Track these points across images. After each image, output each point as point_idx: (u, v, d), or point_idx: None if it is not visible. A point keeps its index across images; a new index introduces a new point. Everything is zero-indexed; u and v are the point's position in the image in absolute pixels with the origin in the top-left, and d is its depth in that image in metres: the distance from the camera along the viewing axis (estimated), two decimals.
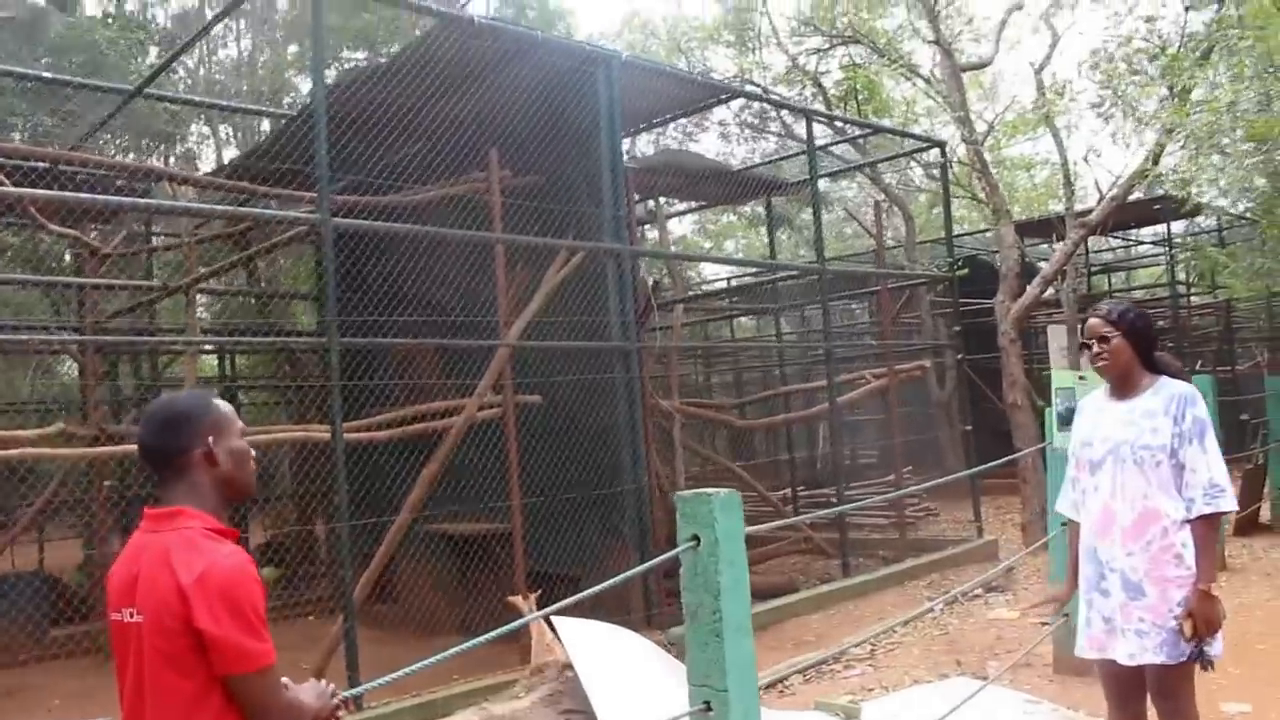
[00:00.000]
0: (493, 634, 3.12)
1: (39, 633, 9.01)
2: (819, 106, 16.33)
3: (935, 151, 14.36)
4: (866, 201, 23.48)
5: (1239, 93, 8.72)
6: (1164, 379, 3.67)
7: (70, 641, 8.16)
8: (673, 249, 19.80)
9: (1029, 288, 11.22)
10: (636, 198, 10.69)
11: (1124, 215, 13.76)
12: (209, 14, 18.38)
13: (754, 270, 19.16)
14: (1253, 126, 8.90)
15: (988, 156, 12.20)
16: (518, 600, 5.85)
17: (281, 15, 21.64)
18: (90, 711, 3.60)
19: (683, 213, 18.08)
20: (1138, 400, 3.66)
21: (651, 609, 7.75)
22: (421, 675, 3.00)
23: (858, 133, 15.07)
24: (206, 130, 20.84)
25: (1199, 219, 19.00)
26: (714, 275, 25.53)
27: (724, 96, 11.80)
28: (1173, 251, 18.84)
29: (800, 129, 19.03)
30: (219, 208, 8.12)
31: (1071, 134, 13.69)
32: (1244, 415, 12.28)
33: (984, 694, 5.35)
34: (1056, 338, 12.46)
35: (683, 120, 16.73)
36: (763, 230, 25.76)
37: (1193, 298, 20.69)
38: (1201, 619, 3.42)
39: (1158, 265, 23.06)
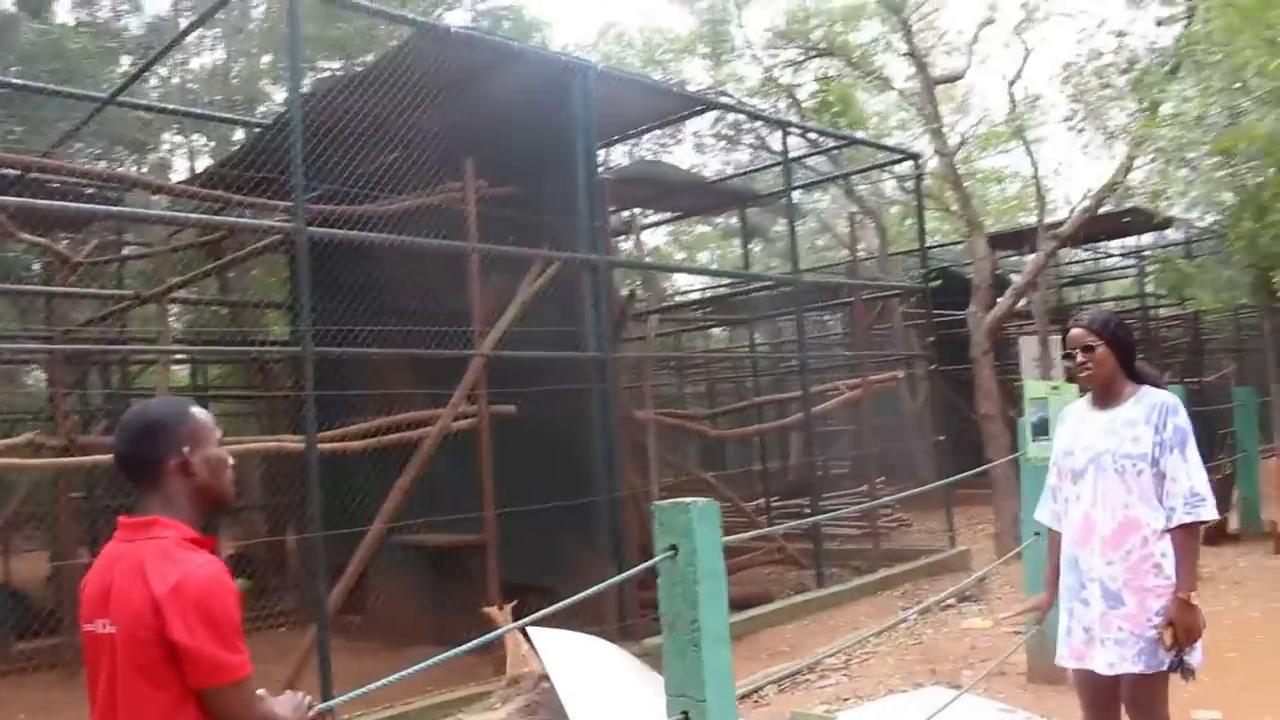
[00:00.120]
0: (470, 645, 3.10)
1: (3, 646, 8.88)
2: (793, 119, 16.40)
3: (909, 164, 14.47)
4: (840, 213, 23.58)
5: (1207, 107, 8.83)
6: (1145, 388, 3.70)
7: (37, 655, 8.06)
8: (647, 260, 19.81)
9: (1001, 299, 11.30)
10: (612, 208, 10.69)
11: (1094, 228, 13.88)
12: (182, 23, 18.26)
13: (728, 281, 19.19)
14: (1220, 141, 9.01)
15: (960, 169, 12.29)
16: (493, 611, 5.82)
17: (256, 25, 21.52)
18: None
19: (657, 224, 18.08)
20: (1119, 409, 3.68)
21: (626, 620, 7.74)
22: (395, 687, 2.97)
23: (832, 145, 15.13)
24: (179, 139, 20.70)
25: (1167, 232, 19.19)
26: (688, 286, 25.56)
27: (700, 108, 11.81)
28: (1142, 264, 19.03)
29: (774, 141, 19.11)
30: (193, 215, 8.05)
31: (1042, 147, 13.83)
32: (1222, 429, 12.42)
33: (959, 703, 5.37)
34: (1028, 349, 12.55)
35: (657, 131, 16.75)
36: (735, 242, 25.87)
37: (1162, 309, 20.90)
38: (1182, 628, 3.44)
39: (1127, 277, 23.28)
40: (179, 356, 12.59)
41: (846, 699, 6.32)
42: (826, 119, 16.01)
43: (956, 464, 10.95)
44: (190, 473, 2.31)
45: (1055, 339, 13.09)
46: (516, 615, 5.65)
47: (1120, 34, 11.44)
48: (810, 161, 17.15)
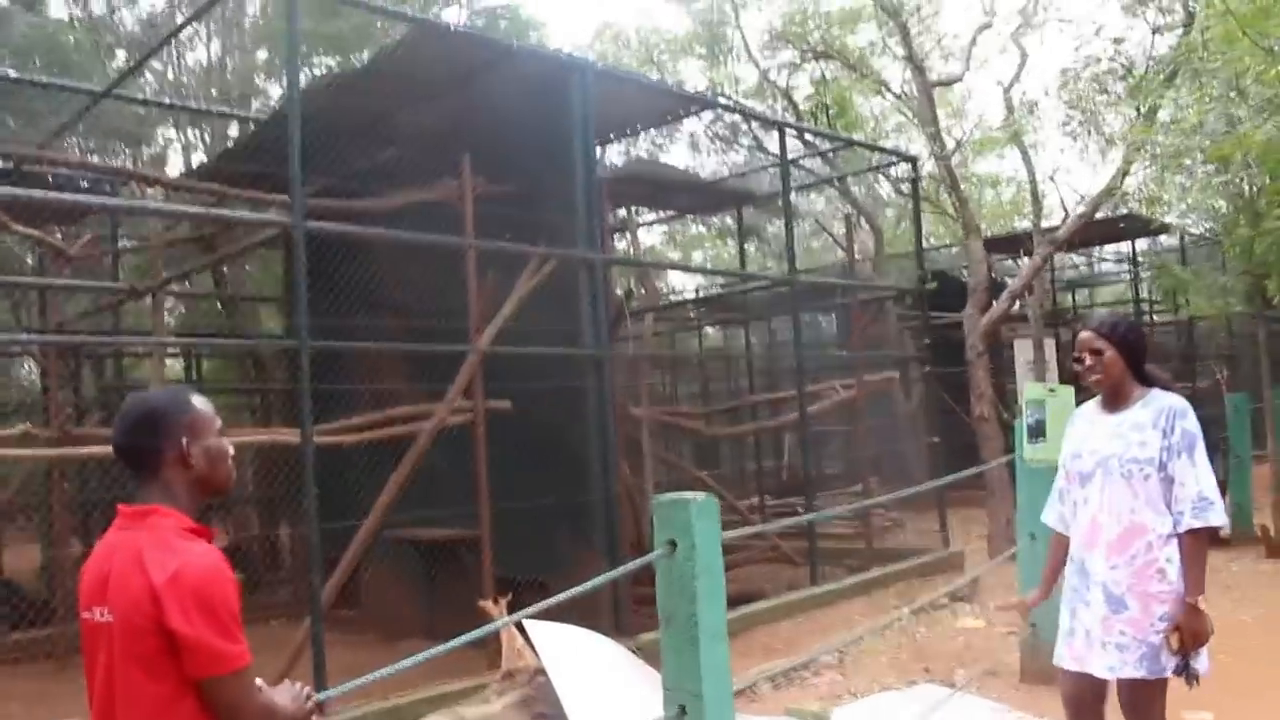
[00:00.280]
0: (466, 637, 3.11)
1: None
2: (790, 120, 16.42)
3: (905, 167, 14.49)
4: (835, 215, 23.62)
5: (1204, 114, 8.85)
6: (1155, 391, 3.68)
7: (31, 645, 8.04)
8: (644, 259, 19.82)
9: (997, 302, 11.32)
10: (609, 207, 10.69)
11: (1090, 233, 13.91)
12: (178, 18, 18.22)
13: (723, 281, 19.20)
14: (1218, 149, 9.03)
15: (957, 173, 12.31)
16: (488, 605, 5.82)
17: (251, 20, 21.48)
18: (51, 714, 3.55)
19: (652, 223, 18.10)
20: (1128, 413, 3.67)
21: (620, 615, 7.73)
22: (389, 680, 2.98)
23: (829, 146, 15.15)
24: (174, 134, 20.66)
25: (1161, 238, 19.25)
26: (682, 286, 25.57)
27: (697, 108, 11.81)
28: (1136, 269, 19.07)
29: (770, 142, 19.14)
30: (190, 209, 8.03)
31: (1039, 152, 13.86)
32: (1215, 435, 12.46)
33: (952, 701, 5.39)
34: (1023, 352, 12.59)
35: (653, 131, 16.76)
36: (730, 242, 25.87)
37: (1155, 315, 20.96)
38: (1189, 633, 3.43)
39: (1121, 283, 23.33)
40: (173, 350, 12.59)
41: (840, 696, 6.33)
42: (823, 121, 16.06)
43: (950, 465, 10.96)
44: (189, 463, 2.31)
45: (1050, 342, 13.16)
46: (511, 610, 5.65)
47: (1117, 40, 11.46)
48: (806, 163, 17.19)
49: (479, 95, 8.08)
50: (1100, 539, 3.65)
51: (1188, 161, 10.33)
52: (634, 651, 6.34)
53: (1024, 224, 16.39)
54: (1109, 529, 3.62)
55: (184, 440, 2.30)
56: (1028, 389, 6.14)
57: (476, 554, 7.67)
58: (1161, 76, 10.31)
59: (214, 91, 19.72)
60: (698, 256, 28.75)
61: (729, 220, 21.86)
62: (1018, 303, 11.93)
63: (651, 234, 25.14)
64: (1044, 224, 12.09)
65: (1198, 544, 3.51)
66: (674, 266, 25.91)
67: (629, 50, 22.39)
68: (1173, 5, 11.29)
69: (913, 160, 12.91)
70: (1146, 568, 3.53)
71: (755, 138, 19.83)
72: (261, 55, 21.16)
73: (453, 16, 20.18)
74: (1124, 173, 10.49)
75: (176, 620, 2.07)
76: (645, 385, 10.99)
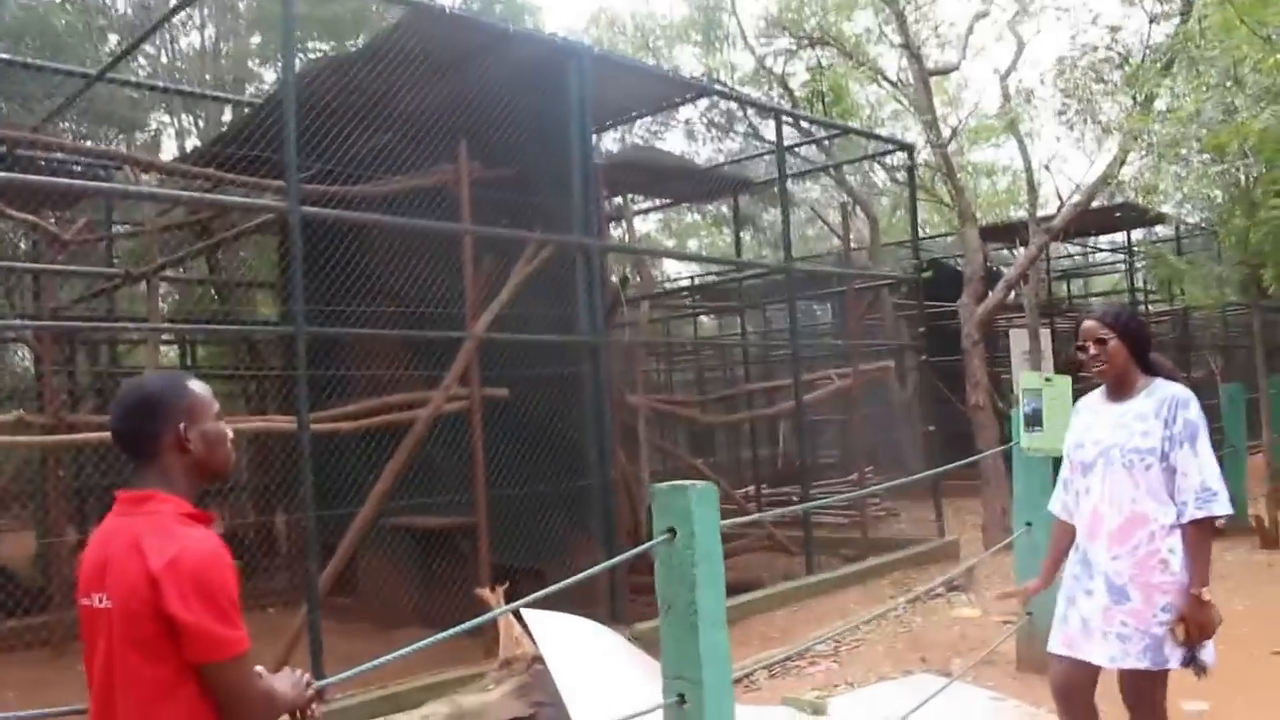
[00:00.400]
0: (464, 626, 3.09)
1: None
2: (785, 108, 16.38)
3: (901, 155, 14.46)
4: (830, 203, 23.60)
5: (1201, 103, 8.84)
6: (1158, 381, 3.67)
7: (26, 633, 8.02)
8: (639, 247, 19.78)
9: (993, 291, 11.31)
10: (604, 193, 10.67)
11: (1085, 222, 13.92)
12: (171, 1, 18.13)
13: (717, 269, 19.20)
14: (1215, 137, 9.02)
15: (953, 161, 12.28)
16: (486, 593, 5.81)
17: (245, 4, 21.39)
18: (48, 701, 3.53)
19: (647, 210, 18.07)
20: (1130, 403, 3.66)
21: (617, 604, 7.73)
22: (385, 668, 2.97)
23: (825, 134, 15.12)
24: (167, 119, 20.58)
25: (1157, 227, 19.25)
26: (677, 274, 25.55)
27: (694, 94, 11.79)
28: (1132, 259, 19.07)
29: (766, 130, 19.11)
30: (185, 194, 7.99)
31: (1035, 141, 13.83)
32: (1210, 426, 12.47)
33: (949, 690, 5.39)
34: (1019, 342, 12.61)
35: (648, 118, 16.74)
36: (725, 230, 25.85)
37: (1150, 305, 20.97)
38: (1194, 624, 3.42)
39: (1116, 272, 23.33)
40: (167, 336, 12.54)
41: (837, 685, 6.34)
42: (819, 108, 16.02)
43: (945, 455, 10.97)
44: (186, 448, 2.28)
45: (1045, 332, 13.16)
46: (508, 598, 5.64)
47: (1114, 29, 11.43)
48: (802, 151, 17.17)
49: (475, 80, 8.04)
50: (1102, 529, 3.64)
51: (1184, 151, 10.32)
52: (631, 640, 6.34)
53: (1019, 213, 16.37)
54: (1110, 519, 3.61)
55: (181, 425, 2.28)
56: (1024, 378, 6.13)
57: (473, 542, 7.67)
58: (1158, 65, 10.29)
59: (208, 76, 19.64)
60: (692, 244, 28.72)
61: (724, 209, 21.85)
62: (1013, 292, 11.92)
63: (647, 222, 25.13)
64: (1039, 213, 12.08)
65: (1201, 535, 3.48)
66: (671, 254, 25.91)
67: (624, 36, 22.34)
68: None
69: (909, 148, 12.89)
70: (1148, 558, 3.52)
71: (751, 125, 19.80)
72: (255, 40, 21.08)
73: (448, 0, 20.09)
74: (1120, 161, 10.48)
75: (175, 606, 2.06)
76: (641, 373, 10.97)
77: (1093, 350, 3.69)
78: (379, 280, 8.97)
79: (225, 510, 11.86)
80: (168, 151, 19.79)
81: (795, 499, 12.06)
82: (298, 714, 2.37)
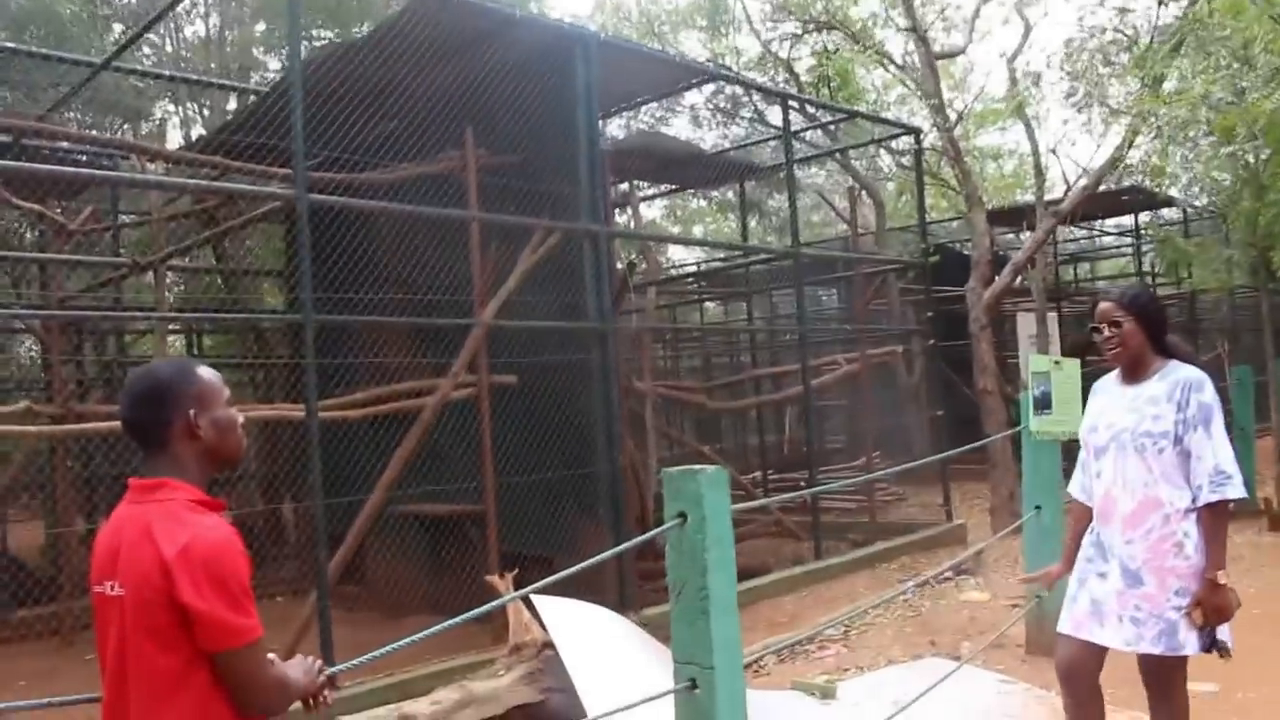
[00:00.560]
0: (475, 612, 3.09)
1: (2, 614, 8.87)
2: (792, 92, 16.31)
3: (907, 139, 14.40)
4: (836, 188, 23.53)
5: (1211, 84, 8.78)
6: (1173, 363, 3.63)
7: (37, 623, 8.05)
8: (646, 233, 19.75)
9: (1000, 275, 11.27)
10: (611, 179, 10.64)
11: (1093, 205, 13.85)
12: None
13: (723, 255, 19.17)
14: (1224, 118, 8.97)
15: (960, 145, 12.23)
16: (495, 580, 5.82)
17: None
18: (58, 691, 3.54)
19: (653, 196, 18.04)
20: (1144, 386, 3.63)
21: (626, 590, 7.74)
22: (394, 656, 2.97)
23: (831, 118, 15.07)
24: (173, 108, 20.57)
25: (1164, 211, 19.18)
26: (682, 260, 25.52)
27: (701, 79, 11.74)
28: (1139, 242, 19.00)
29: (771, 115, 19.03)
30: (192, 182, 7.98)
31: (1042, 125, 13.77)
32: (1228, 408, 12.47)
33: (958, 674, 5.38)
34: (1026, 326, 12.57)
35: (653, 104, 16.67)
36: (731, 216, 25.82)
37: (1157, 288, 20.91)
38: (1211, 608, 3.40)
39: (1123, 256, 23.27)
40: (174, 326, 12.55)
41: (846, 669, 6.35)
42: (825, 93, 15.95)
43: (952, 439, 10.96)
44: (197, 435, 2.28)
45: (1052, 316, 13.13)
46: (516, 585, 5.66)
47: (1122, 11, 11.37)
48: (808, 136, 17.10)
49: (481, 66, 8.02)
50: (1115, 513, 3.62)
51: (1192, 133, 10.25)
52: (639, 626, 6.35)
53: (1026, 197, 16.31)
54: (1123, 503, 3.59)
55: (192, 412, 2.27)
56: (1033, 361, 6.10)
57: (481, 529, 7.68)
58: (1167, 47, 10.22)
59: (213, 65, 19.62)
60: (698, 231, 28.67)
61: (730, 195, 21.81)
62: (1020, 276, 11.88)
63: (652, 208, 25.07)
64: (1046, 197, 12.03)
65: (1216, 518, 3.46)
66: (678, 240, 25.88)
67: (629, 22, 22.25)
68: None
69: (916, 132, 12.84)
70: (1162, 542, 3.50)
71: (757, 110, 19.73)
72: (260, 28, 21.04)
73: None
74: (1129, 143, 10.42)
75: (188, 594, 2.06)
76: (648, 359, 10.96)
77: (1107, 332, 3.65)
78: (386, 268, 8.96)
79: (233, 499, 11.90)
80: (173, 140, 19.78)
81: (803, 484, 12.05)
82: (310, 701, 2.37)
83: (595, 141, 8.25)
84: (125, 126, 17.83)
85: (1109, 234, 21.86)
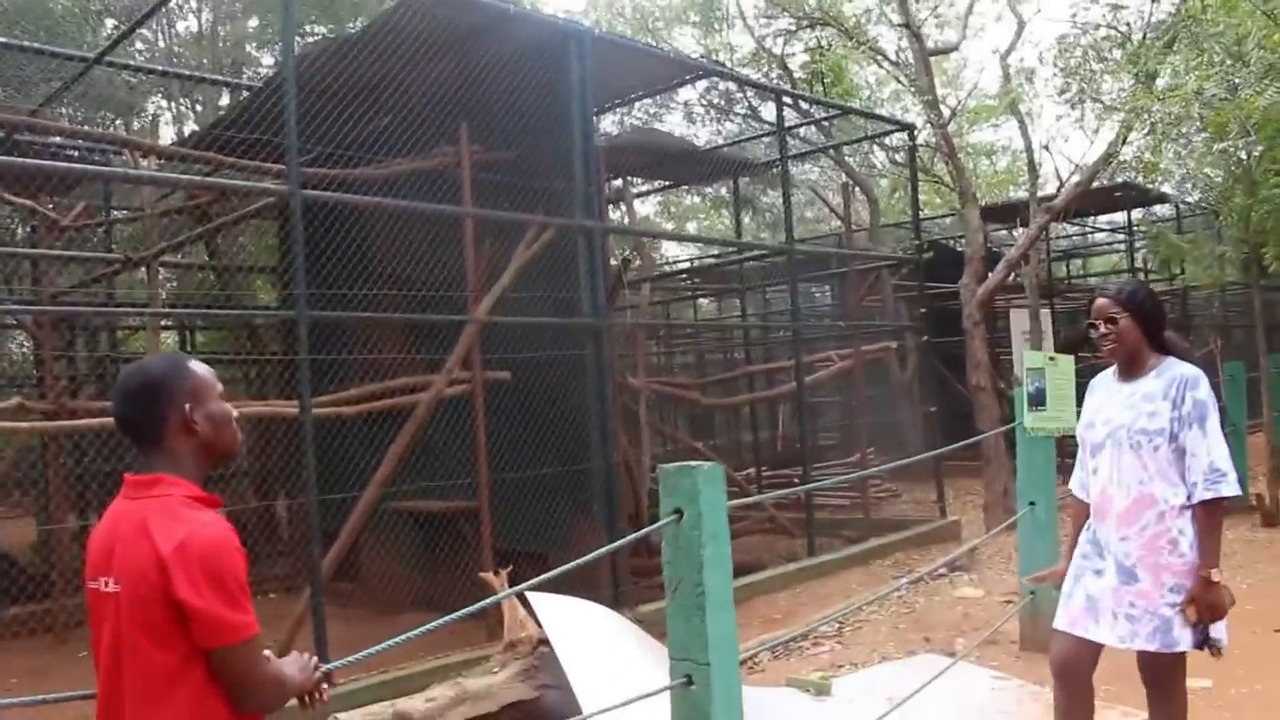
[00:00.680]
0: (473, 608, 3.09)
1: None
2: (785, 88, 16.31)
3: (900, 135, 14.42)
4: (830, 184, 23.55)
5: (1204, 80, 8.79)
6: (1169, 360, 3.63)
7: (29, 620, 8.03)
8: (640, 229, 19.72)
9: (994, 271, 11.28)
10: (605, 176, 10.63)
11: (1086, 202, 13.87)
12: None
13: (717, 251, 19.15)
14: (1217, 114, 8.98)
15: (954, 141, 12.24)
16: (490, 577, 5.81)
17: None
18: (51, 688, 3.53)
19: (647, 193, 18.04)
20: (1140, 383, 3.63)
21: (620, 587, 7.74)
22: (388, 653, 2.97)
23: (825, 114, 15.08)
24: (164, 104, 20.49)
25: (1156, 207, 19.22)
26: (675, 257, 25.51)
27: (695, 75, 11.73)
28: (1132, 239, 19.04)
29: (765, 111, 19.04)
30: (185, 178, 7.96)
31: (1035, 121, 13.78)
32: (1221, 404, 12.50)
33: (952, 670, 5.39)
34: (1019, 322, 12.59)
35: (647, 100, 16.67)
36: (724, 212, 25.79)
37: (1150, 285, 20.92)
38: (1204, 605, 3.40)
39: (1115, 253, 23.31)
40: (167, 322, 12.51)
41: (841, 666, 6.35)
42: (818, 89, 15.96)
43: (946, 435, 10.98)
44: (193, 430, 2.26)
45: (1045, 312, 13.15)
46: (510, 582, 5.65)
47: (1116, 6, 11.37)
48: (802, 132, 17.11)
49: (475, 62, 8.00)
50: (1110, 510, 3.63)
51: (1185, 129, 10.27)
52: (634, 623, 6.35)
53: (1019, 194, 16.34)
54: (1118, 500, 3.60)
55: (187, 406, 2.26)
56: (1027, 357, 6.12)
57: (475, 526, 7.67)
58: (1160, 43, 10.24)
59: (205, 60, 19.55)
60: (691, 228, 28.66)
61: (723, 191, 21.80)
62: (1013, 273, 11.89)
63: (645, 205, 25.06)
64: (1039, 193, 12.04)
65: (1211, 516, 3.46)
66: (673, 236, 25.86)
67: (623, 18, 22.23)
68: None
69: (909, 128, 12.84)
70: (1157, 539, 3.51)
71: (751, 106, 19.73)
72: (253, 23, 20.97)
73: None
74: (1122, 139, 10.44)
75: (184, 590, 2.05)
76: (642, 356, 10.96)
77: (1104, 329, 3.65)
78: (380, 264, 8.95)
79: (226, 496, 11.87)
80: (165, 136, 19.71)
81: (796, 481, 12.06)
82: (306, 698, 2.36)
83: (590, 137, 8.23)
84: (118, 122, 17.75)
85: (1102, 230, 21.92)
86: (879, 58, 13.72)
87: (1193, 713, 3.80)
